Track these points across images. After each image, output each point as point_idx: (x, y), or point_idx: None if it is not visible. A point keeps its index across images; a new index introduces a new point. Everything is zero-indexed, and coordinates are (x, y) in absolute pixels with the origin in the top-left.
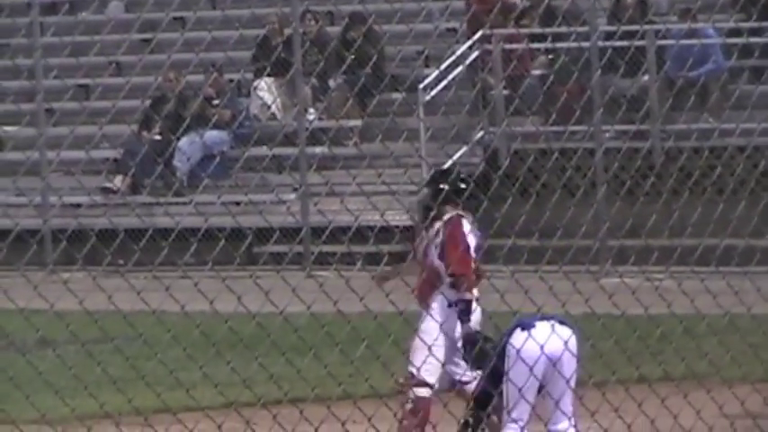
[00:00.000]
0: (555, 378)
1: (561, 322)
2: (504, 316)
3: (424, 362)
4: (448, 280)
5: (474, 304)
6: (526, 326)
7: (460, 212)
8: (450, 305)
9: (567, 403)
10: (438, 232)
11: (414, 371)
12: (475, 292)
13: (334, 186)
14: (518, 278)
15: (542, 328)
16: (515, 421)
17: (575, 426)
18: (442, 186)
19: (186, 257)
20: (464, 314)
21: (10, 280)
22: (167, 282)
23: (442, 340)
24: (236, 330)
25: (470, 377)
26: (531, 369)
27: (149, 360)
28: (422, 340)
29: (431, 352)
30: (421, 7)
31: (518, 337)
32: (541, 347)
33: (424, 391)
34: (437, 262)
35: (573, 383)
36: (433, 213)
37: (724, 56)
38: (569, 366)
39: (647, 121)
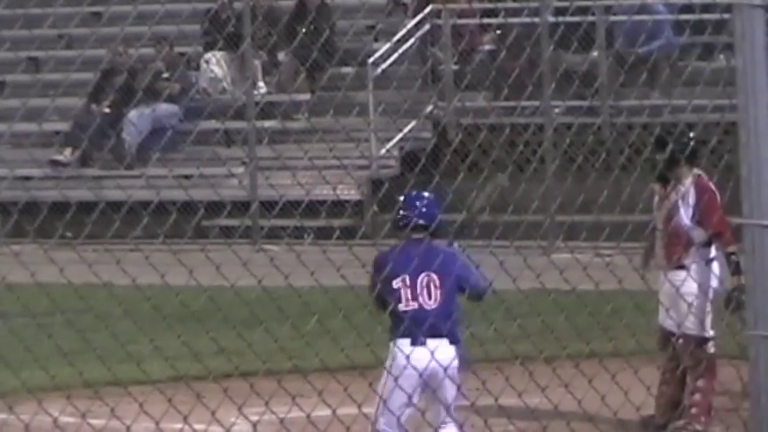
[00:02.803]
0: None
1: (450, 341)
2: None
3: (700, 319)
4: (702, 238)
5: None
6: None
7: (698, 172)
8: (707, 263)
9: (451, 407)
10: (686, 194)
11: (694, 332)
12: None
13: (284, 160)
14: (469, 253)
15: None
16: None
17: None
18: (677, 149)
19: (137, 231)
20: (737, 266)
21: None
22: (118, 255)
23: (703, 296)
24: (186, 304)
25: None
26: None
27: (100, 333)
28: (686, 302)
29: (694, 307)
30: None
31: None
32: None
33: (711, 346)
34: (687, 223)
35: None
36: (660, 171)
37: (675, 32)
38: (452, 383)
39: (598, 97)
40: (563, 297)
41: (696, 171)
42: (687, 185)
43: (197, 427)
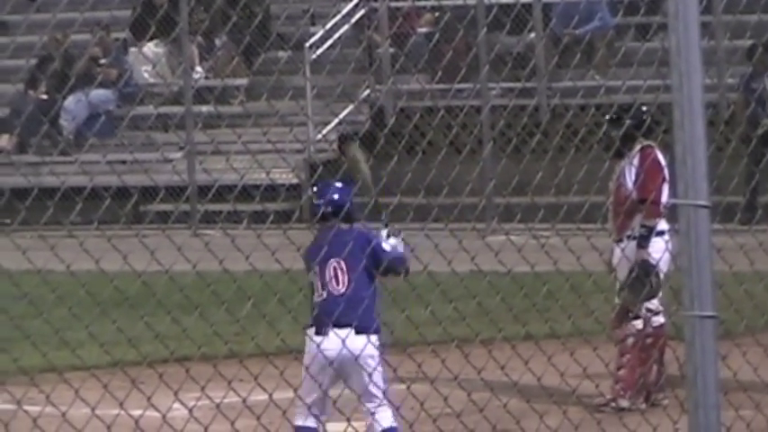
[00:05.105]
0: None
1: (357, 330)
2: None
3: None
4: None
5: (666, 235)
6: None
7: (650, 143)
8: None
9: (371, 393)
10: (632, 160)
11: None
12: (664, 223)
13: (219, 145)
14: (404, 236)
15: (334, 338)
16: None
17: (385, 402)
18: (626, 122)
19: (72, 216)
20: (643, 240)
21: None
22: (53, 241)
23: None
24: (121, 289)
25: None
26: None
27: (35, 319)
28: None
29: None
30: None
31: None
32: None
33: (640, 323)
34: (630, 187)
35: (375, 380)
36: (616, 147)
37: (610, 13)
38: (362, 371)
39: (534, 79)
40: (499, 279)
41: (646, 142)
42: (635, 152)
43: (133, 412)
